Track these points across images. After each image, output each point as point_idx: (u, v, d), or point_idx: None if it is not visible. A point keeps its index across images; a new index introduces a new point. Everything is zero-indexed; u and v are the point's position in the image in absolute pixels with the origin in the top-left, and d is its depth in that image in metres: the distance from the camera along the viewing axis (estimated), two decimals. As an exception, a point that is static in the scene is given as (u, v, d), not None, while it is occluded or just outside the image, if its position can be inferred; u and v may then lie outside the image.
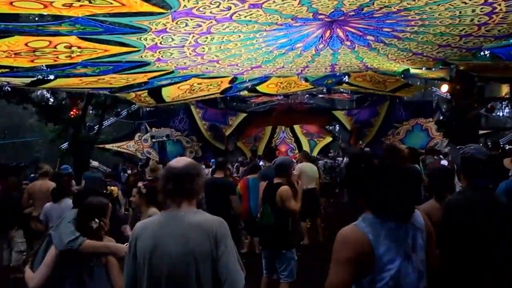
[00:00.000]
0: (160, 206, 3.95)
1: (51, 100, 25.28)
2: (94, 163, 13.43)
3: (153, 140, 22.12)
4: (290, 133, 29.59)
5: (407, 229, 2.58)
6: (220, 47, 11.32)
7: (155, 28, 9.21)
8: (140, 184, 5.74)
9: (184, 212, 2.93)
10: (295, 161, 13.63)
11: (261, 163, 12.86)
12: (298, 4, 8.60)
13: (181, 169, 2.98)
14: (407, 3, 8.83)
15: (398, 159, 5.61)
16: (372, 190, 2.58)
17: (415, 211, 2.67)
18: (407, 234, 2.57)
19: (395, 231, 2.53)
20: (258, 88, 18.87)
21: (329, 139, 29.91)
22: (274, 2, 8.30)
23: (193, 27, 9.36)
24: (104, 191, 5.65)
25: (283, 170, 6.43)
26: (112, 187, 8.36)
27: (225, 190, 7.80)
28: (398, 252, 2.50)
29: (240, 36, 10.56)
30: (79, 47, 9.84)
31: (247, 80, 16.97)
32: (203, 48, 11.16)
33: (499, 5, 8.75)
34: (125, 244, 3.87)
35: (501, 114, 39.16)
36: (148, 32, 9.40)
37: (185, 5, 8.04)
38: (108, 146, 24.46)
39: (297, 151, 26.72)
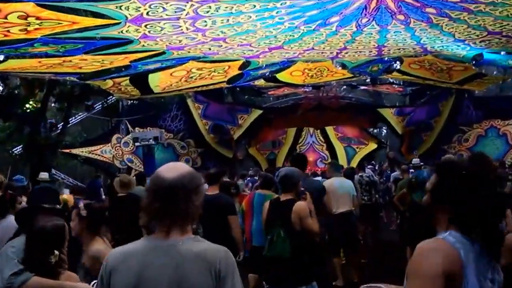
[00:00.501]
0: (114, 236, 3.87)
1: (0, 88, 25.48)
2: (43, 175, 13.39)
3: (136, 143, 22.10)
4: (321, 138, 29.53)
5: (491, 259, 2.62)
6: (228, 20, 11.32)
7: (141, -6, 9.23)
8: (81, 204, 5.34)
9: (177, 239, 2.89)
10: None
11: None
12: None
13: (173, 181, 2.91)
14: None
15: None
16: (470, 203, 2.60)
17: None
18: (489, 265, 2.60)
19: (481, 256, 2.56)
20: (278, 76, 18.88)
21: (373, 146, 29.87)
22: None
23: (192, -7, 9.38)
24: (57, 205, 5.54)
25: (289, 183, 6.48)
26: (65, 196, 8.24)
27: (221, 210, 7.82)
28: (479, 282, 2.50)
29: (255, 6, 10.52)
30: (37, 18, 9.80)
31: (264, 66, 16.97)
32: (205, 21, 11.14)
33: None
34: (92, 284, 3.83)
35: None
36: (131, -2, 9.41)
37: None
38: (76, 151, 24.29)
39: (330, 161, 26.48)
